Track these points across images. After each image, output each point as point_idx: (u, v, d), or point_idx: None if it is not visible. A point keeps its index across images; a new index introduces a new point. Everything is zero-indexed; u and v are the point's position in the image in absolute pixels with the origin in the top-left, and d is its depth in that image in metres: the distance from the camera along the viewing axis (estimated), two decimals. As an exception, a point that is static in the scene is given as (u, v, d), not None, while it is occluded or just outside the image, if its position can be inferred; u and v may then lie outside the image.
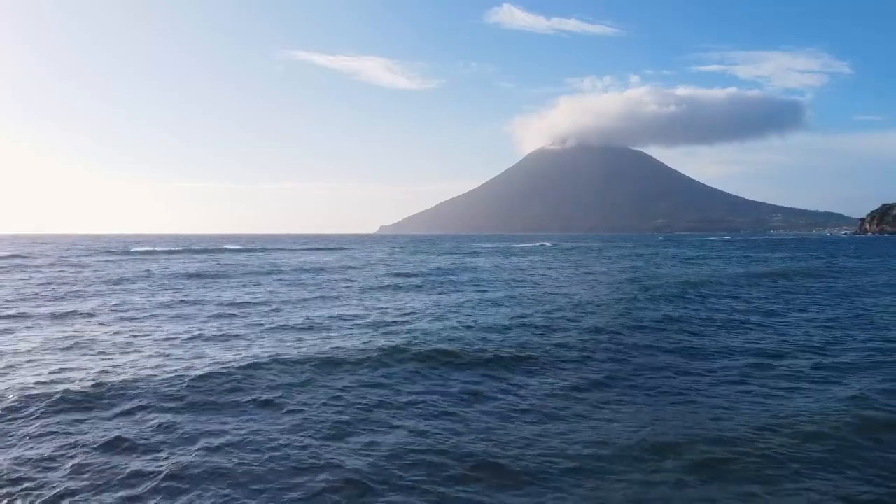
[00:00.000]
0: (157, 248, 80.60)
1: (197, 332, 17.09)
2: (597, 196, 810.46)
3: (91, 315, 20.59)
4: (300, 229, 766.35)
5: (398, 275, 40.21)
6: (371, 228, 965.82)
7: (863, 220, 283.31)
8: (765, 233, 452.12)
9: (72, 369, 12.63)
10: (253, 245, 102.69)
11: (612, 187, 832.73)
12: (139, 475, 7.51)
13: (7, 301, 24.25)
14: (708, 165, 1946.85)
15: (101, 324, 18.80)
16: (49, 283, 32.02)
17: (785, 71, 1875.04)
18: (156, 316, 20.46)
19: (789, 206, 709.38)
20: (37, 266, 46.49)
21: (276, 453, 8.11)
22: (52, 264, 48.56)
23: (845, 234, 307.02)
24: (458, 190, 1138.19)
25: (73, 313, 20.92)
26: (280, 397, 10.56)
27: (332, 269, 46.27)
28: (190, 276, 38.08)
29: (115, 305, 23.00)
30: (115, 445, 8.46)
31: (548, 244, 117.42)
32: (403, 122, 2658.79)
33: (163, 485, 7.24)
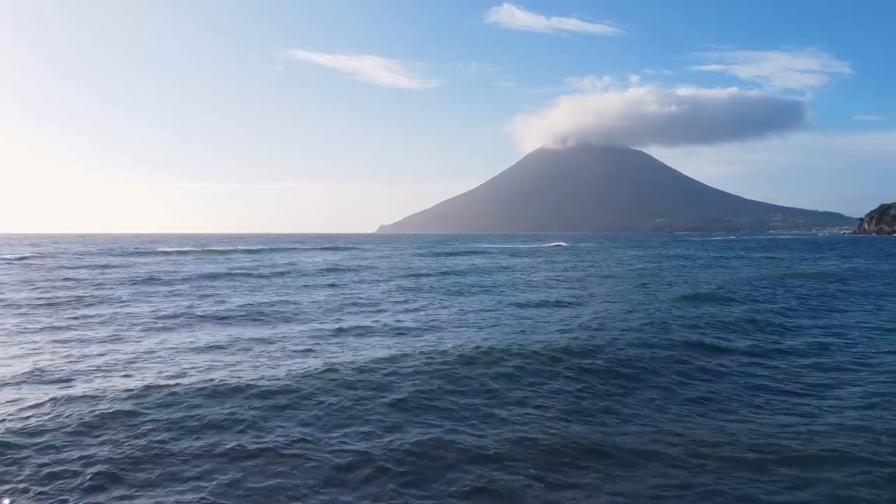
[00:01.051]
0: (172, 249, 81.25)
1: (245, 338, 17.21)
2: (597, 196, 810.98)
3: (136, 319, 20.85)
4: (300, 229, 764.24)
5: (425, 275, 40.71)
6: (371, 228, 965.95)
7: (861, 219, 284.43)
8: (764, 232, 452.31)
9: (141, 372, 13.31)
10: (263, 245, 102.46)
11: (613, 187, 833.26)
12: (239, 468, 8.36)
13: (49, 300, 24.92)
14: (708, 165, 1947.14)
15: (152, 328, 19.29)
16: (82, 283, 32.62)
17: (785, 71, 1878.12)
18: (199, 320, 20.78)
19: (789, 206, 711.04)
20: (63, 266, 46.91)
21: (338, 460, 8.57)
22: (77, 265, 48.96)
23: (844, 233, 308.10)
24: (458, 190, 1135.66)
25: (119, 316, 21.45)
26: (347, 403, 10.65)
27: (353, 269, 46.62)
28: (215, 277, 38.56)
29: (154, 309, 23.14)
30: (202, 444, 9.03)
31: (563, 244, 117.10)
32: (403, 121, 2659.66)
33: (258, 470, 8.16)
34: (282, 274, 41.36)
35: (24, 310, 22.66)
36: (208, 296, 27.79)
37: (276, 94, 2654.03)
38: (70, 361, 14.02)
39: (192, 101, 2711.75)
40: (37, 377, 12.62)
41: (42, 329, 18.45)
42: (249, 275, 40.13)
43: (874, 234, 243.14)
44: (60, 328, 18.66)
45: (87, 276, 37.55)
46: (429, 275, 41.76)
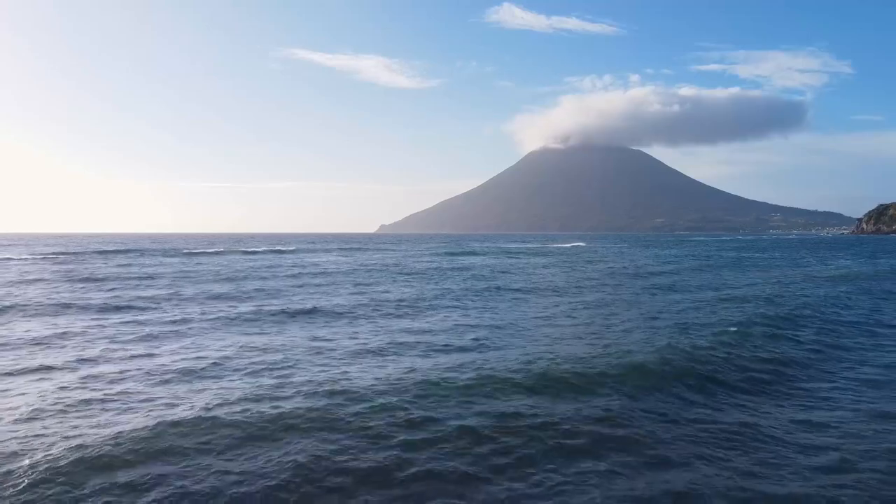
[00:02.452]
0: (198, 250, 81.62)
1: (330, 336, 17.24)
2: (597, 195, 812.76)
3: (212, 318, 20.88)
4: (300, 228, 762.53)
5: (462, 275, 41.05)
6: (370, 228, 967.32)
7: (860, 220, 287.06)
8: (765, 232, 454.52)
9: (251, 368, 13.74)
10: (279, 245, 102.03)
11: (613, 187, 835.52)
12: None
13: (115, 299, 25.26)
14: (709, 165, 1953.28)
15: (229, 327, 19.40)
16: (136, 282, 33.04)
17: (785, 70, 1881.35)
18: (269, 316, 20.99)
19: (788, 206, 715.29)
20: (101, 265, 46.97)
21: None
22: (118, 265, 48.72)
23: (843, 233, 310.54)
24: (458, 189, 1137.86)
25: (194, 315, 21.63)
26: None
27: (391, 270, 46.63)
28: (250, 278, 38.95)
29: (223, 309, 23.18)
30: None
31: (581, 244, 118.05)
32: (403, 121, 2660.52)
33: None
34: (326, 273, 41.90)
35: (96, 307, 23.14)
36: (268, 292, 28.51)
37: (276, 94, 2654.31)
38: (180, 360, 14.21)
39: (192, 101, 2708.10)
40: (160, 375, 12.87)
41: (132, 326, 18.84)
42: (294, 276, 40.39)
43: (872, 233, 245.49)
44: (145, 324, 19.03)
45: (134, 275, 38.05)
46: (466, 273, 42.06)
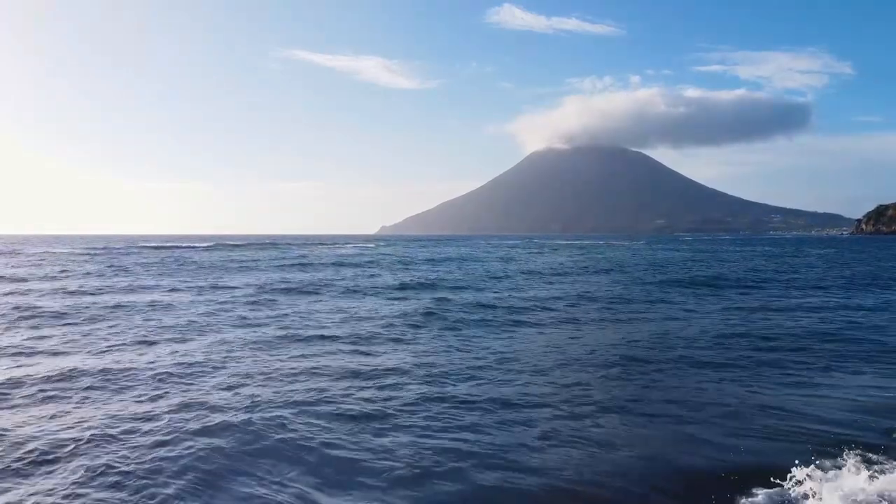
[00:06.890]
0: (243, 244, 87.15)
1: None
2: (598, 196, 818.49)
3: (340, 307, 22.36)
4: (301, 229, 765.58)
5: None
6: (371, 229, 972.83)
7: (859, 220, 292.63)
8: (764, 233, 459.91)
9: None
10: (312, 242, 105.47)
11: (613, 188, 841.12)
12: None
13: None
14: (712, 166, 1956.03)
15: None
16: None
17: (786, 71, 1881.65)
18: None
19: (788, 207, 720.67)
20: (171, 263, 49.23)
21: None
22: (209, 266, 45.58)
23: (842, 234, 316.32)
24: (459, 190, 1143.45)
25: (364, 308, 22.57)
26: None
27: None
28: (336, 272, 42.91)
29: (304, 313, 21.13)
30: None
31: (624, 242, 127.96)
32: (403, 121, 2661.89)
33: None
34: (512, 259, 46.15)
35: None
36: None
37: (276, 95, 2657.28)
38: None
39: (192, 100, 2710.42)
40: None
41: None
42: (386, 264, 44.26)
43: (871, 234, 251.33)
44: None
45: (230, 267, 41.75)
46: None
